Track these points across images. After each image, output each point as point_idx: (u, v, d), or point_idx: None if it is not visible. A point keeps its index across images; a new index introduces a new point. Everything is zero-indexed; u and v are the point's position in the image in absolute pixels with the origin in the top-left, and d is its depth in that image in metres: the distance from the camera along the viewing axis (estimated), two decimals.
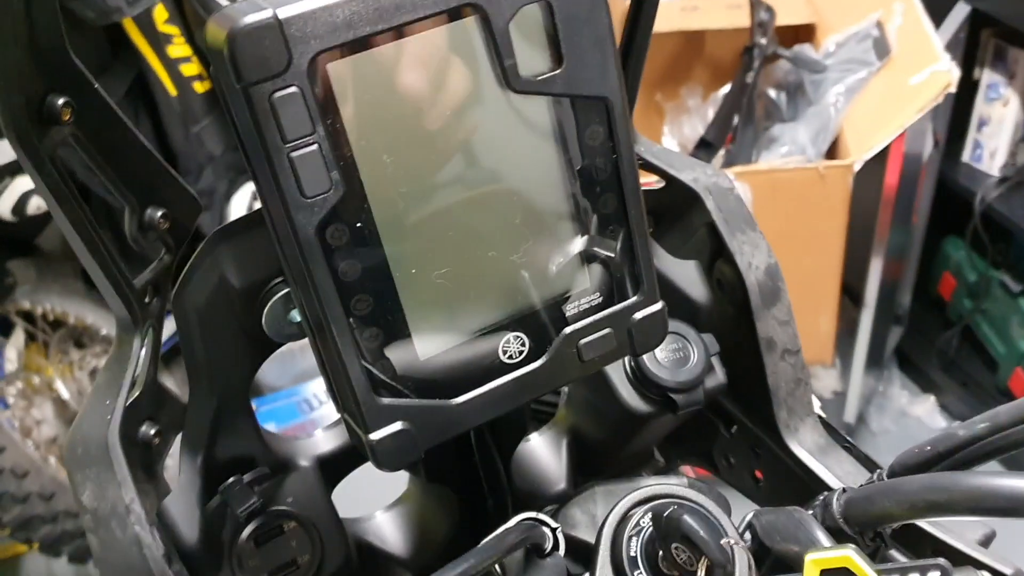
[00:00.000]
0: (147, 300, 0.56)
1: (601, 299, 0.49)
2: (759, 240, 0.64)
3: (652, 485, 0.53)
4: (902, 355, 2.58)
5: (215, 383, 0.56)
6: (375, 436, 0.46)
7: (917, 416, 2.47)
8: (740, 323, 0.64)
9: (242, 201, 2.11)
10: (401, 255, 0.44)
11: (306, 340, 0.51)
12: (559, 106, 0.44)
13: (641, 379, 0.63)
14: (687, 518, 0.46)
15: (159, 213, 0.54)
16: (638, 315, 0.49)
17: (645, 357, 0.62)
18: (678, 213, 0.67)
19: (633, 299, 0.49)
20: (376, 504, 0.78)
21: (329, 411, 2.48)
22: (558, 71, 0.43)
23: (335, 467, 0.64)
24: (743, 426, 0.70)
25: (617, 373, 0.64)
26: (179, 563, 0.55)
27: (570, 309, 0.48)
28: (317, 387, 2.49)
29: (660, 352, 0.62)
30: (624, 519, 0.51)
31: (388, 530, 0.69)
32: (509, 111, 0.43)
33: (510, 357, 0.48)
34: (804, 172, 1.90)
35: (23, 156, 0.44)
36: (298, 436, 0.64)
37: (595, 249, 0.47)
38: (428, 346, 0.46)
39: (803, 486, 0.65)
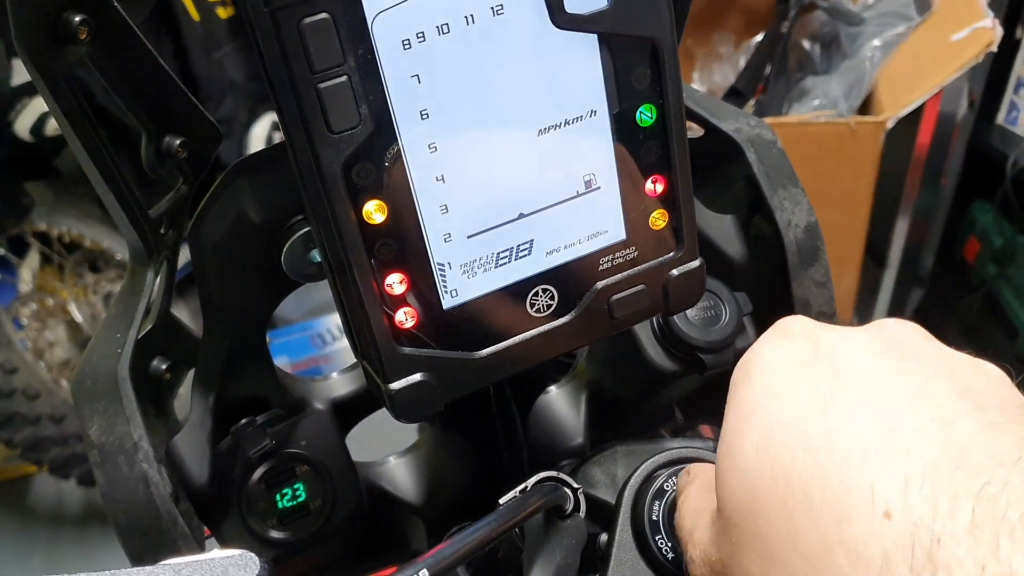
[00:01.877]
0: (162, 231, 0.55)
1: (637, 253, 0.46)
2: (800, 197, 0.62)
3: (677, 448, 0.51)
4: (921, 318, 2.54)
5: (231, 321, 0.54)
6: (395, 386, 0.44)
7: None
8: (775, 282, 0.62)
9: (262, 130, 2.09)
10: (431, 199, 0.42)
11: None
12: (605, 45, 0.41)
13: (669, 337, 0.61)
14: None
15: (177, 141, 0.52)
16: (675, 272, 0.47)
17: None
18: (716, 164, 0.64)
19: (671, 255, 0.47)
20: (384, 445, 0.77)
21: (343, 345, 2.48)
22: (606, 7, 0.40)
23: (350, 411, 0.62)
24: None
25: (643, 329, 0.62)
26: (186, 502, 0.54)
27: (604, 263, 0.46)
28: (331, 321, 2.48)
29: (691, 310, 0.60)
30: (647, 481, 0.50)
31: (401, 476, 0.68)
32: (552, 48, 0.40)
33: (538, 311, 0.46)
34: (835, 127, 1.86)
35: (36, 75, 0.41)
36: (313, 378, 0.62)
37: (634, 201, 0.45)
38: (453, 296, 0.44)
39: None
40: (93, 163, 0.46)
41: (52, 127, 1.90)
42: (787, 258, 0.61)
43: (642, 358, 0.62)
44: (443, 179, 0.42)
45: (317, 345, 2.50)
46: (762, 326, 0.64)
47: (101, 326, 0.54)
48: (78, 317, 2.23)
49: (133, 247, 0.53)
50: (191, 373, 0.58)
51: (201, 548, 0.53)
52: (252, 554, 0.34)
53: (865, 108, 1.98)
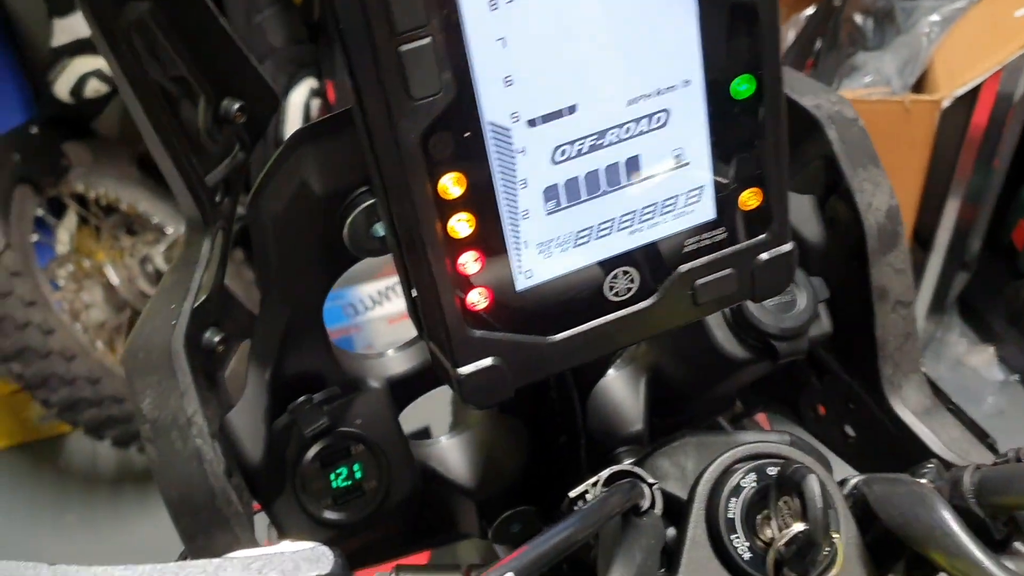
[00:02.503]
0: (217, 199, 0.52)
1: (726, 235, 0.43)
2: (881, 178, 0.59)
3: (753, 442, 0.49)
4: (964, 302, 2.49)
5: (288, 295, 0.52)
6: (465, 371, 0.41)
7: (974, 366, 2.40)
8: (851, 268, 0.59)
9: (300, 96, 2.06)
10: (510, 172, 0.39)
11: None
12: (703, 10, 0.38)
13: (740, 322, 0.58)
14: (812, 480, 0.41)
15: (236, 106, 0.50)
16: (764, 256, 0.44)
17: None
18: (793, 141, 0.61)
19: (761, 237, 0.44)
20: (424, 409, 0.75)
21: (375, 315, 2.47)
22: None
23: (406, 389, 0.60)
24: (838, 378, 0.65)
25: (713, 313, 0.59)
26: (239, 478, 0.52)
27: (690, 244, 0.43)
28: (363, 291, 2.47)
29: None
30: (723, 477, 0.47)
31: (453, 458, 0.66)
32: (647, 13, 0.37)
33: (616, 294, 0.43)
34: (888, 104, 1.80)
35: (98, 34, 0.39)
36: (368, 355, 0.60)
37: (725, 179, 0.42)
38: (528, 276, 0.42)
39: (900, 448, 0.60)
40: (152, 127, 0.44)
41: (92, 88, 1.89)
42: (866, 242, 0.57)
43: (710, 344, 0.59)
44: (524, 151, 0.39)
45: (349, 314, 2.49)
46: (834, 312, 0.61)
47: (154, 296, 0.52)
48: (114, 279, 2.23)
49: (189, 215, 0.51)
50: (242, 346, 0.56)
51: (251, 526, 0.51)
52: (325, 547, 0.32)
53: (919, 86, 1.92)
